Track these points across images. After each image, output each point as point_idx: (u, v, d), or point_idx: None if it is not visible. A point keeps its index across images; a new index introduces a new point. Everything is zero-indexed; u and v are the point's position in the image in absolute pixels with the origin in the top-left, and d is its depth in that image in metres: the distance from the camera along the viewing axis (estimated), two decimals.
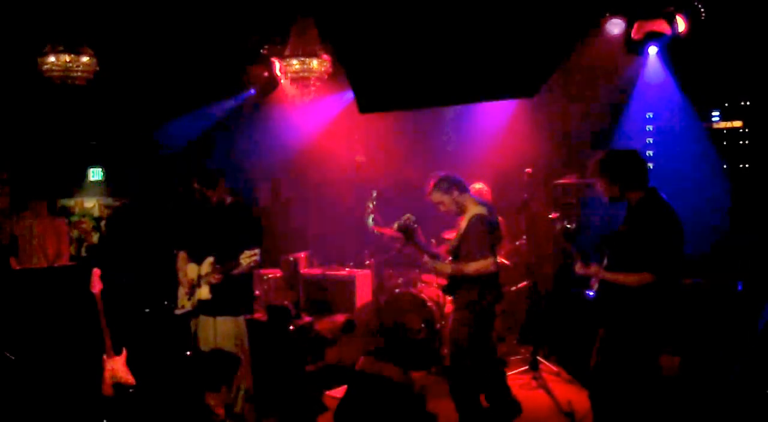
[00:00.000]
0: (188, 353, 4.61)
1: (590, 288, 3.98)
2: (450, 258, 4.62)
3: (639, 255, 3.57)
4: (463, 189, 4.56)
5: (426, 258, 4.65)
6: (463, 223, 4.50)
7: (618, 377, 3.65)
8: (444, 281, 4.72)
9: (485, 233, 4.40)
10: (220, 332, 4.51)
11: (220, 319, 4.51)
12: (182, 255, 4.73)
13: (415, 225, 4.60)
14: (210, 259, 4.48)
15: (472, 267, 4.42)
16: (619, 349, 3.66)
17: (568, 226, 3.87)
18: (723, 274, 5.71)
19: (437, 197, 4.54)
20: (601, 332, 3.79)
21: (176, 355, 4.74)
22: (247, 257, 4.29)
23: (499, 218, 4.99)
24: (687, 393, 4.04)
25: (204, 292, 4.46)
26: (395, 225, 4.59)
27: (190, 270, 4.58)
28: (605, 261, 3.85)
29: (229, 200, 4.67)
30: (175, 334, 4.62)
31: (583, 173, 7.05)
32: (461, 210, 4.54)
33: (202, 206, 4.62)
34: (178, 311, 4.45)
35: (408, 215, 4.62)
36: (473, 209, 4.48)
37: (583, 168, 7.10)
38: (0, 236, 6.83)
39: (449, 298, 6.40)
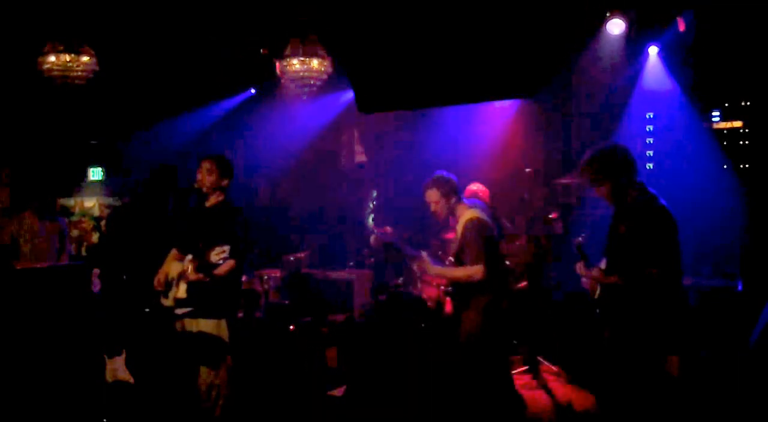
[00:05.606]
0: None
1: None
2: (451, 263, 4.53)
3: (642, 255, 3.53)
4: (459, 198, 4.41)
5: (423, 265, 4.47)
6: (459, 228, 4.35)
7: (624, 378, 3.63)
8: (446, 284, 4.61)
9: (478, 239, 4.21)
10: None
11: (201, 321, 4.37)
12: (172, 252, 4.60)
13: (392, 240, 4.39)
14: (189, 257, 4.34)
15: (461, 272, 4.31)
16: (625, 351, 3.64)
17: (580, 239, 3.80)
18: (723, 274, 5.71)
19: (434, 196, 4.37)
20: (606, 333, 3.77)
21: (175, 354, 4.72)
22: (217, 254, 4.08)
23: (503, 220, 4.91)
24: (687, 392, 4.03)
25: (180, 290, 4.32)
26: (372, 238, 4.40)
27: (173, 268, 4.47)
28: (604, 264, 3.84)
29: (219, 198, 4.52)
30: (174, 334, 4.59)
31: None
32: (452, 214, 4.42)
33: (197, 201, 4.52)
34: (179, 311, 4.42)
35: (375, 234, 4.42)
36: (466, 214, 4.33)
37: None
38: (0, 236, 6.83)
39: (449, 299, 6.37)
